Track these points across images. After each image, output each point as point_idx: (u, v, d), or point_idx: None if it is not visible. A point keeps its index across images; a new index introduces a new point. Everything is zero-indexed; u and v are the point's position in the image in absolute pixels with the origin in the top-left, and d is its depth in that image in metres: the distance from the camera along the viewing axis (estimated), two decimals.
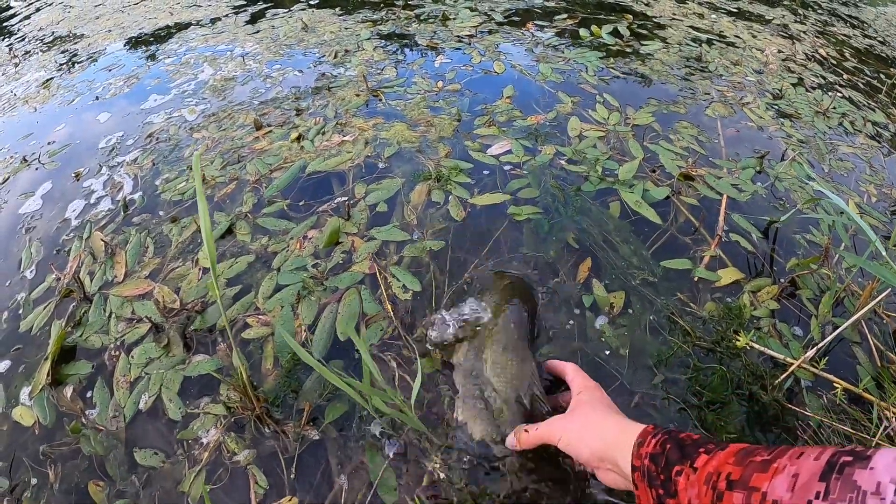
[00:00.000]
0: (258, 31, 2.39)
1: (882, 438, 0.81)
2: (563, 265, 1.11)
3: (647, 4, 2.72)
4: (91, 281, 1.20)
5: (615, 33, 2.26)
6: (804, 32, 2.90)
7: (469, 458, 0.79)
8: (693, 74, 1.97)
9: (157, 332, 1.05)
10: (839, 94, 2.12)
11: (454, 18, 2.35)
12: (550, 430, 0.69)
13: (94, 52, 2.56)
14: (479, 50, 2.05)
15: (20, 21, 3.66)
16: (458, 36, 2.18)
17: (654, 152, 1.46)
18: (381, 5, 2.60)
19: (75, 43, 2.80)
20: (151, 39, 2.57)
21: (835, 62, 2.55)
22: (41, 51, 2.82)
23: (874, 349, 1.02)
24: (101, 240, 1.28)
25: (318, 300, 1.07)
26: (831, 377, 0.87)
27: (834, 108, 1.93)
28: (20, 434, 0.95)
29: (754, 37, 2.57)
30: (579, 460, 0.67)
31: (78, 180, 1.56)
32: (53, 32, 3.10)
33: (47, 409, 0.98)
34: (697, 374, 0.92)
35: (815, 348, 0.91)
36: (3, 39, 3.30)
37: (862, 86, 2.36)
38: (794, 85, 2.07)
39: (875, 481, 0.37)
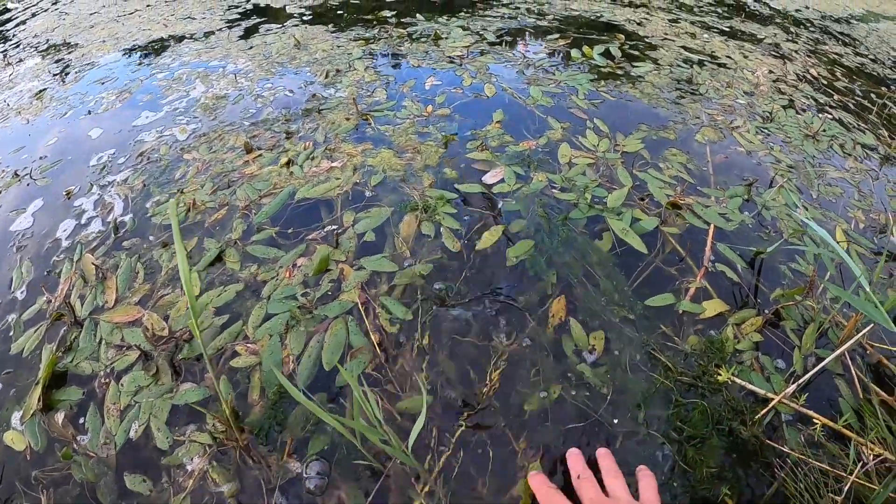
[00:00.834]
0: (251, 48, 2.41)
1: (860, 476, 0.83)
2: (544, 302, 1.14)
3: (639, 24, 2.77)
4: (82, 305, 1.21)
5: (607, 54, 2.30)
6: (796, 52, 2.95)
7: None
8: (683, 97, 2.00)
9: (146, 360, 1.07)
10: (829, 116, 2.17)
11: (446, 38, 2.38)
12: None
13: (88, 64, 2.57)
14: (471, 72, 2.08)
15: (16, 26, 3.67)
16: (449, 56, 2.21)
17: (643, 180, 1.49)
18: (374, 22, 2.64)
19: (69, 52, 2.81)
20: (145, 52, 2.59)
21: (825, 82, 2.59)
22: (35, 58, 2.84)
23: (857, 381, 1.04)
24: (92, 263, 1.30)
25: (305, 329, 1.09)
26: (811, 413, 0.90)
27: (824, 130, 1.97)
28: (12, 458, 0.97)
29: (745, 57, 2.62)
30: None
31: (69, 199, 1.57)
32: (48, 40, 3.11)
33: (39, 434, 0.99)
34: (678, 409, 0.95)
35: (795, 384, 0.93)
36: None
37: (852, 106, 2.40)
38: (784, 107, 2.11)
39: None
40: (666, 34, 2.69)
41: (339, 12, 2.82)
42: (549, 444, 0.92)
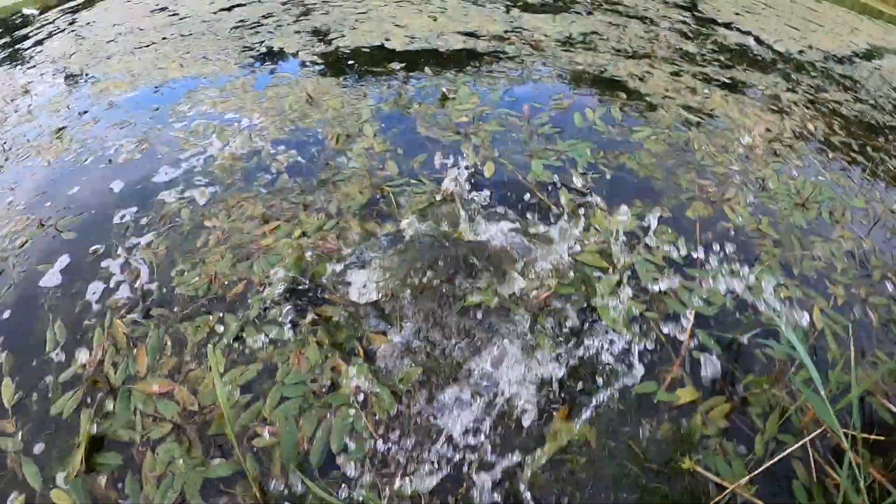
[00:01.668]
0: (265, 101, 2.61)
1: None
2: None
3: (641, 80, 2.97)
4: (115, 373, 1.39)
5: (607, 118, 2.48)
6: (795, 103, 3.14)
7: None
8: (679, 167, 2.19)
9: (178, 433, 1.25)
10: (822, 178, 2.35)
11: (453, 98, 2.57)
12: None
13: (106, 104, 2.75)
14: (475, 142, 2.25)
15: (33, 45, 3.90)
16: (456, 124, 2.39)
17: (635, 262, 1.68)
18: (383, 75, 2.83)
19: (87, 86, 3.01)
20: (162, 97, 2.78)
21: (822, 139, 2.78)
22: (53, 89, 3.04)
23: (813, 463, 1.22)
24: (123, 332, 1.48)
25: (316, 415, 1.28)
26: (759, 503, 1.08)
27: (815, 197, 2.14)
28: None
29: (743, 112, 2.81)
30: None
31: (95, 258, 1.74)
32: (66, 68, 3.32)
33: (83, 494, 1.17)
34: (643, 495, 1.13)
35: (749, 475, 1.11)
36: (16, 66, 3.54)
37: (847, 164, 2.59)
38: (777, 172, 2.29)
39: None
40: (667, 90, 2.88)
41: (349, 62, 3.02)
42: None
